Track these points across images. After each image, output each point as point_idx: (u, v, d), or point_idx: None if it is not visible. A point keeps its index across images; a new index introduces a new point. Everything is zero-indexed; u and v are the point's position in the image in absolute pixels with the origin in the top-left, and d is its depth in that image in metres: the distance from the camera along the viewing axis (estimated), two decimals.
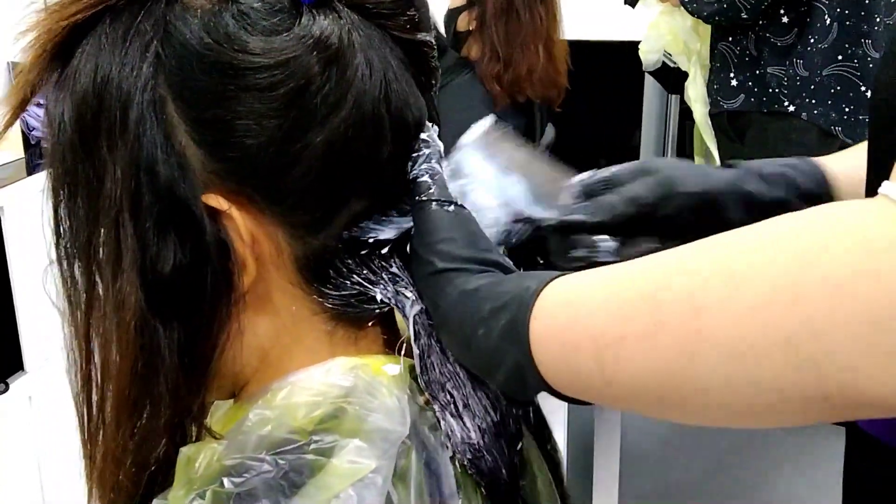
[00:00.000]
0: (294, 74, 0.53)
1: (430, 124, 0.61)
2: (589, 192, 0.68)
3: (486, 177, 0.64)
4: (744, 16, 2.16)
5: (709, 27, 2.33)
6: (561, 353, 0.50)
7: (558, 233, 0.67)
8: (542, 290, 0.51)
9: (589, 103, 3.24)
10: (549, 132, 2.66)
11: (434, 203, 0.57)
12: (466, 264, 0.55)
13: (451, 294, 0.55)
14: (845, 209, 0.43)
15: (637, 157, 3.26)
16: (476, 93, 2.37)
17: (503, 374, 0.53)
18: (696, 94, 2.45)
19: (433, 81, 0.61)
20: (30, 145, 2.46)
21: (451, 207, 0.57)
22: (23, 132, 2.42)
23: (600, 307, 0.49)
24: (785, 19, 2.17)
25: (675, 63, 2.54)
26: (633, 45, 2.65)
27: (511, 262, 0.58)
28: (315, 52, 0.54)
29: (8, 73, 2.46)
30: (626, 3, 2.46)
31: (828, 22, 2.13)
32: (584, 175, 0.69)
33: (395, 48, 0.58)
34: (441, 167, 0.59)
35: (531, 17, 2.31)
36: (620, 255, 0.65)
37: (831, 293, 0.40)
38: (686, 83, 2.50)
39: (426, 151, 0.59)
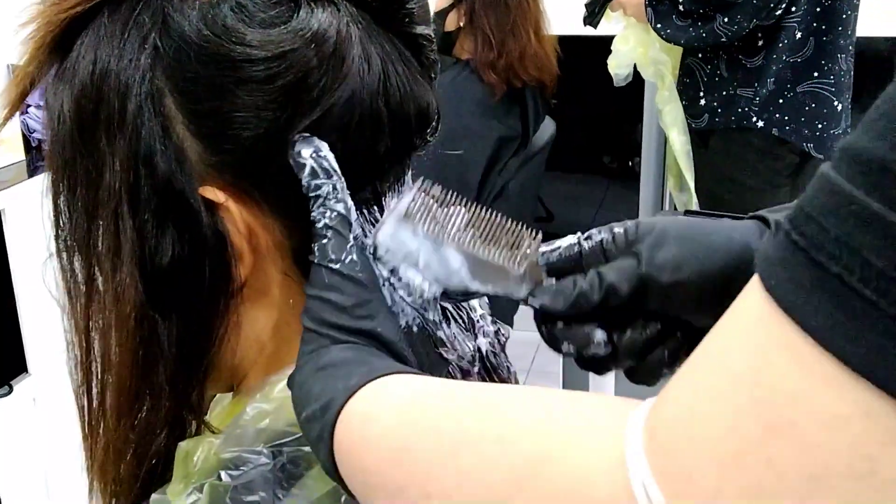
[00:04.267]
0: (291, 67, 0.53)
1: None
2: (557, 271, 0.54)
3: (412, 252, 0.54)
4: (723, 41, 2.14)
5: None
6: (347, 472, 0.49)
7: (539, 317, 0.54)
8: (354, 393, 0.48)
9: (590, 98, 3.24)
10: (550, 127, 2.66)
11: (323, 255, 0.52)
12: (331, 331, 0.51)
13: (305, 365, 0.51)
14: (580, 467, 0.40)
15: (639, 153, 3.25)
16: (471, 89, 2.38)
17: (324, 469, 0.51)
18: (672, 119, 2.36)
19: (432, 75, 0.61)
20: (31, 147, 2.46)
21: (339, 265, 0.52)
22: (23, 134, 2.42)
23: (377, 442, 0.47)
24: (760, 42, 2.16)
25: (647, 76, 2.48)
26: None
27: (393, 332, 0.52)
28: (313, 45, 0.54)
29: (8, 75, 2.46)
30: (586, 24, 2.45)
31: (798, 37, 2.13)
32: (554, 246, 0.54)
33: (395, 41, 0.58)
34: (341, 208, 0.53)
35: (518, 3, 2.35)
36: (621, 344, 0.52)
37: None
38: (658, 104, 2.42)
39: (324, 190, 0.53)
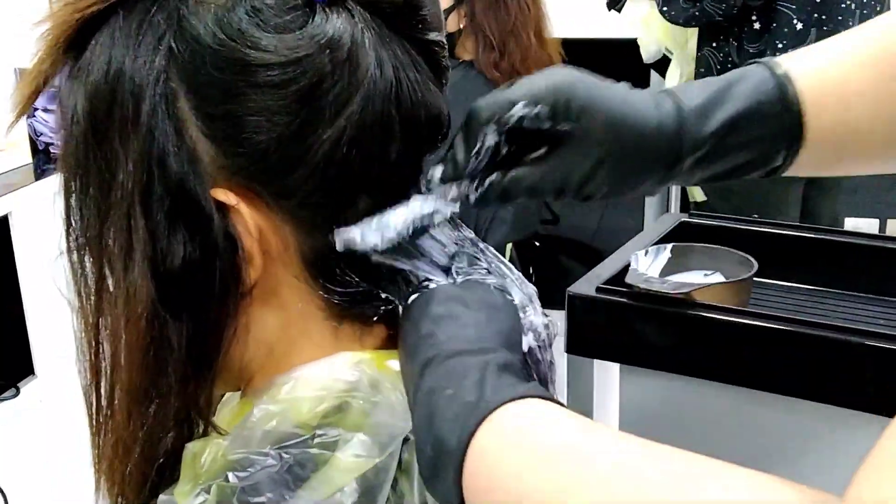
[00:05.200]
0: (306, 72, 0.54)
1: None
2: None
3: None
4: (718, 19, 2.21)
5: None
6: (473, 500, 0.49)
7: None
8: (475, 430, 0.49)
9: None
10: None
11: (457, 274, 0.57)
12: (455, 349, 0.53)
13: (426, 381, 0.52)
14: None
15: None
16: (476, 90, 2.39)
17: (437, 497, 0.52)
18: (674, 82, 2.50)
19: (443, 81, 0.61)
20: (37, 150, 2.47)
21: (462, 281, 0.57)
22: (30, 137, 2.43)
23: (514, 490, 0.48)
24: (756, 25, 2.20)
25: (671, 55, 2.58)
26: (636, 43, 2.65)
27: (520, 346, 0.56)
28: (328, 51, 0.54)
29: (15, 79, 2.47)
30: (610, 8, 2.51)
31: (800, 27, 2.16)
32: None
33: (407, 47, 0.58)
34: (470, 232, 0.59)
35: (518, 5, 2.35)
36: None
37: None
38: (667, 78, 2.55)
39: (439, 217, 0.59)
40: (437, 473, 0.50)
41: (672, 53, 2.56)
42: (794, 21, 2.16)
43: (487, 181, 0.60)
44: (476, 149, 0.59)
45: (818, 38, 2.16)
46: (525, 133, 0.59)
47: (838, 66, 0.63)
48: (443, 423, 0.50)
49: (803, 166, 0.64)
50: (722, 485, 0.43)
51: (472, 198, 0.60)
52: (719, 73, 2.26)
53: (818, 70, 0.63)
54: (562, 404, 0.51)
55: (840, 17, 2.17)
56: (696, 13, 2.22)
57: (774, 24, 2.17)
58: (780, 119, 0.62)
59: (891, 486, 0.37)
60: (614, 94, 0.60)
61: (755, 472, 0.44)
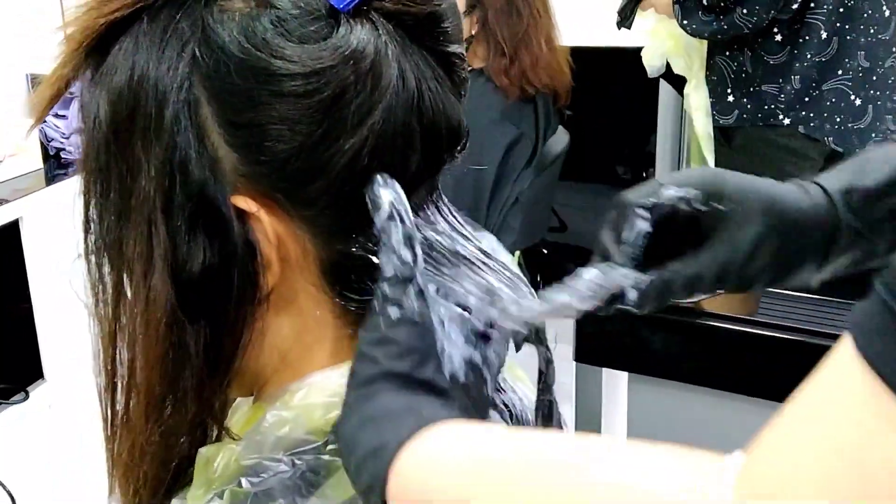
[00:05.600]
0: (329, 83, 0.54)
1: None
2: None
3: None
4: (745, 32, 2.19)
5: None
6: None
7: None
8: (405, 443, 0.50)
9: (603, 109, 3.24)
10: (563, 138, 2.67)
11: (385, 302, 0.54)
12: (383, 381, 0.53)
13: (354, 413, 0.53)
14: None
15: (653, 164, 3.26)
16: (486, 98, 2.39)
17: None
18: (698, 102, 2.43)
19: (462, 92, 0.62)
20: (48, 156, 2.48)
21: (399, 312, 0.53)
22: (41, 142, 2.44)
23: (441, 496, 0.48)
24: (778, 37, 2.20)
25: (678, 70, 2.56)
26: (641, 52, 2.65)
27: (444, 380, 0.54)
28: (351, 62, 0.54)
29: (27, 85, 2.48)
30: (619, 27, 2.50)
31: (824, 36, 2.16)
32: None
33: (429, 59, 0.58)
34: (408, 255, 0.54)
35: (531, 13, 2.36)
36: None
37: None
38: (686, 90, 2.50)
39: (397, 235, 0.54)
40: (367, 499, 0.51)
41: (686, 67, 2.53)
42: (822, 31, 2.16)
43: (643, 282, 0.57)
44: (626, 237, 0.57)
45: (839, 47, 2.17)
46: (677, 222, 0.58)
47: None
48: (365, 451, 0.51)
49: None
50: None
51: (631, 298, 0.57)
52: (733, 81, 2.28)
53: None
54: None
55: (862, 27, 2.17)
56: (724, 26, 2.18)
57: (805, 38, 2.16)
58: None
59: (785, 462, 0.38)
60: (763, 180, 0.59)
61: (646, 448, 0.45)
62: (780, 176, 0.60)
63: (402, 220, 0.55)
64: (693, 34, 2.28)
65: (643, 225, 0.58)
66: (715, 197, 0.57)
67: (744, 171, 0.61)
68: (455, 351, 0.57)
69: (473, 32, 2.43)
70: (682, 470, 0.43)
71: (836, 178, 0.59)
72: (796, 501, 0.37)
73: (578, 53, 2.56)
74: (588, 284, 0.56)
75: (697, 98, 2.42)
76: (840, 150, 2.18)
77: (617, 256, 0.58)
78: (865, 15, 2.17)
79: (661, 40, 2.51)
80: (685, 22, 2.27)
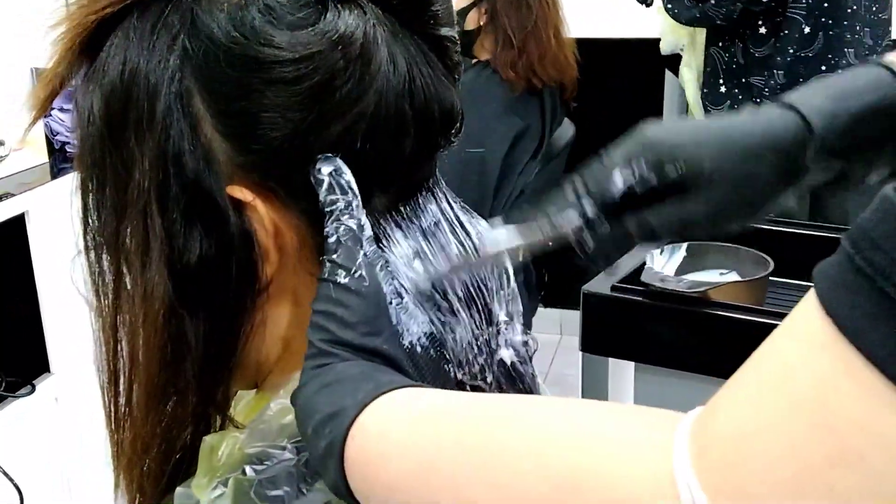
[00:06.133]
0: (319, 69, 0.54)
1: None
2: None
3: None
4: (719, 22, 2.23)
5: None
6: (363, 486, 0.49)
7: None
8: (364, 407, 0.49)
9: (608, 101, 3.23)
10: (569, 131, 2.66)
11: (333, 270, 0.53)
12: (336, 348, 0.52)
13: (310, 381, 0.52)
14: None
15: None
16: (492, 89, 2.39)
17: (328, 483, 0.52)
18: (690, 75, 2.51)
19: (456, 76, 0.61)
20: (54, 149, 2.48)
21: (347, 279, 0.53)
22: (47, 137, 2.44)
23: (399, 453, 0.48)
24: (762, 30, 2.22)
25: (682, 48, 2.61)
26: (651, 42, 2.65)
27: (398, 350, 0.54)
28: (340, 48, 0.54)
29: (31, 78, 2.48)
30: (641, 2, 2.53)
31: (807, 31, 2.17)
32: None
33: (420, 43, 0.58)
34: (353, 224, 0.54)
35: (540, 6, 2.36)
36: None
37: None
38: (681, 65, 2.56)
39: (339, 205, 0.54)
40: (324, 464, 0.51)
41: (688, 45, 2.58)
42: (804, 26, 2.16)
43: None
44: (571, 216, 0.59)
45: (825, 43, 2.17)
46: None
47: None
48: (322, 416, 0.51)
49: None
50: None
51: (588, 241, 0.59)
52: (725, 72, 2.29)
53: None
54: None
55: (846, 22, 2.17)
56: (698, 14, 2.24)
57: (785, 31, 2.17)
58: None
59: (742, 407, 0.37)
60: (713, 130, 0.59)
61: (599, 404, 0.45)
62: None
63: (342, 191, 0.54)
64: (675, 18, 2.33)
65: (591, 212, 0.59)
66: (666, 166, 0.57)
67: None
68: (413, 322, 0.56)
69: (482, 24, 2.42)
70: (637, 421, 0.43)
71: (812, 102, 0.60)
72: (750, 449, 0.36)
73: (583, 45, 2.56)
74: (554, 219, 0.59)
75: (689, 71, 2.51)
76: None
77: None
78: (850, 10, 2.17)
79: (666, 16, 2.57)
80: (669, 5, 2.31)
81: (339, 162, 0.55)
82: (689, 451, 0.38)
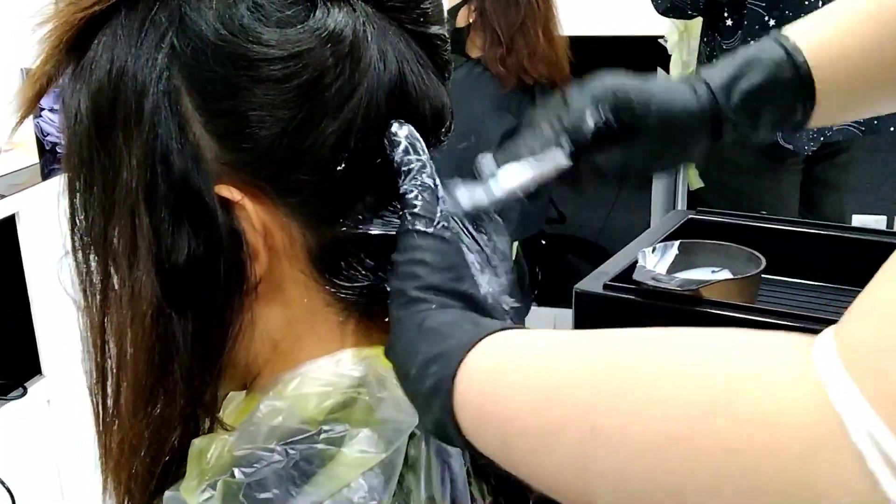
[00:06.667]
0: (308, 67, 0.54)
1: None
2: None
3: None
4: (689, 12, 2.26)
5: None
6: (475, 423, 0.50)
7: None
8: (472, 347, 0.50)
9: None
10: None
11: (416, 221, 0.55)
12: (429, 293, 0.54)
13: (406, 324, 0.53)
14: (769, 363, 0.41)
15: None
16: (483, 87, 2.39)
17: (430, 423, 0.52)
18: (675, 59, 2.62)
19: (446, 74, 0.61)
20: (44, 150, 2.47)
21: (432, 229, 0.55)
22: (37, 137, 2.43)
23: (517, 388, 0.48)
24: (729, 22, 2.24)
25: (661, 36, 2.66)
26: (645, 40, 2.65)
27: (482, 295, 0.56)
28: (329, 45, 0.54)
29: (21, 79, 2.47)
30: None
31: (772, 23, 2.19)
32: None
33: (410, 41, 0.58)
34: (431, 182, 0.57)
35: (528, 4, 2.36)
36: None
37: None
38: (670, 65, 2.65)
39: (415, 165, 0.56)
40: (428, 404, 0.51)
41: (665, 41, 2.63)
42: (766, 18, 2.17)
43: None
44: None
45: None
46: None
47: (838, 28, 0.75)
48: (426, 358, 0.52)
49: (822, 116, 0.76)
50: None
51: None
52: (706, 65, 2.32)
53: (823, 38, 0.75)
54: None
55: (803, 15, 2.18)
56: (669, 5, 2.28)
57: (746, 22, 2.19)
58: (794, 82, 0.74)
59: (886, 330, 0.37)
60: (658, 87, 0.72)
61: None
62: (753, 161, 0.70)
63: (417, 153, 0.56)
64: (655, 8, 2.38)
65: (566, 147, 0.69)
66: (624, 112, 0.69)
67: (720, 156, 0.72)
68: (477, 274, 0.58)
69: (471, 21, 2.43)
70: (763, 339, 0.42)
71: (720, 76, 0.74)
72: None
73: (575, 42, 2.56)
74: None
75: (675, 70, 2.63)
76: (789, 146, 2.21)
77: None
78: (807, 3, 2.17)
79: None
80: None
81: (411, 127, 0.57)
82: (839, 361, 0.38)
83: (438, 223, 0.55)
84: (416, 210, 0.55)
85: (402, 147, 0.56)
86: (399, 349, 0.53)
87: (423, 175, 0.56)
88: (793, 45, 0.74)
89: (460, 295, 0.54)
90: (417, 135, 0.57)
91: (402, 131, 0.56)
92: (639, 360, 0.45)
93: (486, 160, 0.67)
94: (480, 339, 0.50)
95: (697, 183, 2.47)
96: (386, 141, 0.56)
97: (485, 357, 0.50)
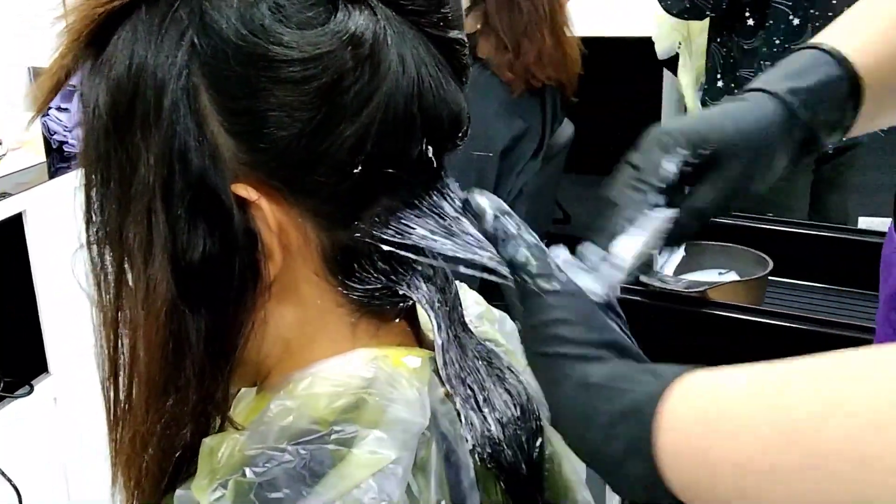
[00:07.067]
0: (328, 69, 0.54)
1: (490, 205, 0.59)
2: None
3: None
4: (708, 13, 2.22)
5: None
6: (695, 475, 0.47)
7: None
8: (664, 397, 0.48)
9: (607, 99, 3.24)
10: (568, 129, 2.66)
11: (538, 280, 0.55)
12: (581, 349, 0.52)
13: (566, 385, 0.52)
14: None
15: None
16: (491, 89, 2.39)
17: (626, 486, 0.50)
18: (687, 80, 2.55)
19: (464, 79, 0.61)
20: (51, 149, 2.47)
21: (558, 285, 0.55)
22: (44, 136, 2.44)
23: (746, 427, 0.45)
24: (750, 22, 2.22)
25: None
26: (649, 41, 2.65)
27: (629, 338, 0.55)
28: (349, 48, 0.54)
29: (29, 78, 2.48)
30: None
31: (796, 23, 2.16)
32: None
33: (429, 45, 0.58)
34: (533, 240, 0.57)
35: (533, 6, 2.36)
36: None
37: None
38: (678, 69, 2.58)
39: (512, 228, 0.57)
40: (623, 465, 0.49)
41: (681, 44, 2.59)
42: (791, 17, 2.16)
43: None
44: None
45: (813, 35, 2.17)
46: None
47: (875, 32, 0.78)
48: (609, 417, 0.50)
49: (856, 125, 0.78)
50: None
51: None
52: (722, 67, 2.30)
53: (862, 43, 0.77)
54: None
55: (831, 15, 2.17)
56: (688, 5, 2.24)
57: (771, 22, 2.17)
58: (843, 85, 0.75)
59: None
60: (718, 112, 0.73)
61: None
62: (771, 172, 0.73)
63: (508, 215, 0.58)
64: (666, 10, 2.34)
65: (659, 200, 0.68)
66: (698, 145, 0.69)
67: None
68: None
69: (479, 26, 2.42)
70: None
71: (776, 80, 0.74)
72: None
73: (588, 42, 2.56)
74: (653, 224, 0.67)
75: (686, 75, 2.56)
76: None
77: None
78: (834, 1, 2.16)
79: (664, 19, 2.57)
80: None
81: (487, 193, 0.58)
82: None
83: (560, 277, 0.55)
84: (533, 270, 0.55)
85: (490, 215, 0.57)
86: (565, 414, 0.52)
87: (525, 235, 0.57)
88: (835, 50, 0.75)
89: (610, 344, 0.53)
90: (498, 199, 0.58)
91: (485, 201, 0.58)
92: (879, 379, 0.42)
93: (588, 248, 0.65)
94: (669, 388, 0.49)
95: None
96: (469, 214, 0.58)
97: (686, 404, 0.48)
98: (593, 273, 0.61)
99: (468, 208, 0.59)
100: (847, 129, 0.77)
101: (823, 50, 0.76)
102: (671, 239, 0.69)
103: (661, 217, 0.67)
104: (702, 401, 0.47)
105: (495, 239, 0.57)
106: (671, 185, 0.68)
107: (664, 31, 2.62)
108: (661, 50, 2.65)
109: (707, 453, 0.46)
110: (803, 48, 0.77)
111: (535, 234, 0.57)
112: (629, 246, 0.65)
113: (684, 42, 2.57)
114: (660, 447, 0.47)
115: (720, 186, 0.70)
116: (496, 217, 0.57)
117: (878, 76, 0.76)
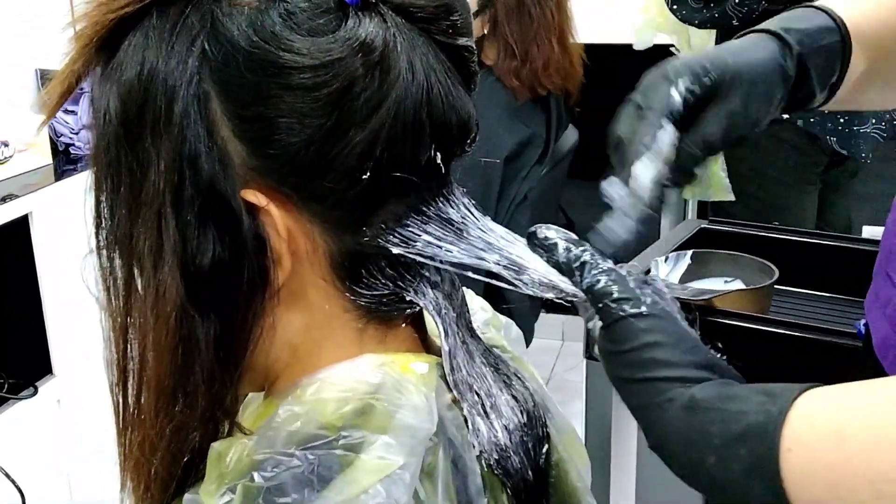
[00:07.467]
0: (338, 76, 0.54)
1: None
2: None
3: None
4: (735, 23, 2.21)
5: None
6: (824, 494, 0.47)
7: None
8: (787, 413, 0.48)
9: (612, 106, 3.23)
10: (572, 136, 2.66)
11: (623, 305, 0.55)
12: (681, 371, 0.52)
13: (670, 410, 0.51)
14: None
15: None
16: (496, 95, 2.39)
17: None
18: None
19: (472, 86, 0.61)
20: (58, 151, 2.48)
21: (645, 308, 0.54)
22: (51, 138, 2.44)
23: (877, 441, 0.45)
24: None
25: (671, 44, 2.60)
26: (655, 48, 2.64)
27: (722, 360, 0.54)
28: (360, 55, 0.54)
29: (35, 80, 2.48)
30: None
31: None
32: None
33: (438, 52, 0.58)
34: (609, 265, 0.57)
35: (542, 13, 2.35)
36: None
37: None
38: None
39: (587, 257, 0.58)
40: (745, 487, 0.49)
41: (679, 50, 2.57)
42: None
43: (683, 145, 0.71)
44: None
45: None
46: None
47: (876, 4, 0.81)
48: (725, 439, 0.49)
49: (840, 94, 0.81)
50: None
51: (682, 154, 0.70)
52: None
53: (863, 10, 0.80)
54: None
55: None
56: (716, 15, 2.21)
57: None
58: (833, 40, 0.78)
59: None
60: (722, 47, 0.76)
61: None
62: (782, 172, 0.71)
63: (579, 245, 0.59)
64: (682, 20, 2.32)
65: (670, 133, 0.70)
66: (702, 76, 0.71)
67: (748, 167, 0.73)
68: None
69: (485, 32, 2.42)
70: None
71: (774, 23, 0.78)
72: None
73: (588, 51, 2.56)
74: (660, 148, 0.69)
75: None
76: (843, 152, 2.18)
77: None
78: None
79: (653, 17, 2.54)
80: (675, 7, 2.30)
81: (552, 226, 0.60)
82: None
83: (647, 300, 0.55)
84: (616, 296, 0.55)
85: (562, 247, 0.58)
86: (675, 439, 0.51)
87: (600, 262, 0.57)
88: (829, 9, 0.79)
89: (708, 365, 0.52)
90: (564, 230, 0.59)
91: (552, 234, 0.59)
92: None
93: (609, 182, 0.68)
94: (791, 406, 0.48)
95: (725, 195, 2.42)
96: (539, 249, 0.59)
97: (811, 422, 0.47)
98: (616, 215, 0.64)
99: (535, 241, 0.59)
100: (837, 83, 0.79)
101: (819, 8, 0.79)
102: (681, 170, 0.71)
103: (668, 140, 0.70)
104: (830, 418, 0.47)
105: (570, 269, 0.57)
106: (677, 115, 0.70)
107: (647, 24, 2.63)
108: (641, 41, 2.66)
109: (839, 470, 0.46)
110: (800, 7, 0.81)
111: (609, 260, 0.57)
112: (646, 171, 0.68)
113: (687, 47, 2.56)
114: (786, 467, 0.47)
115: (722, 116, 0.72)
116: (567, 248, 0.58)
117: (872, 41, 0.79)
